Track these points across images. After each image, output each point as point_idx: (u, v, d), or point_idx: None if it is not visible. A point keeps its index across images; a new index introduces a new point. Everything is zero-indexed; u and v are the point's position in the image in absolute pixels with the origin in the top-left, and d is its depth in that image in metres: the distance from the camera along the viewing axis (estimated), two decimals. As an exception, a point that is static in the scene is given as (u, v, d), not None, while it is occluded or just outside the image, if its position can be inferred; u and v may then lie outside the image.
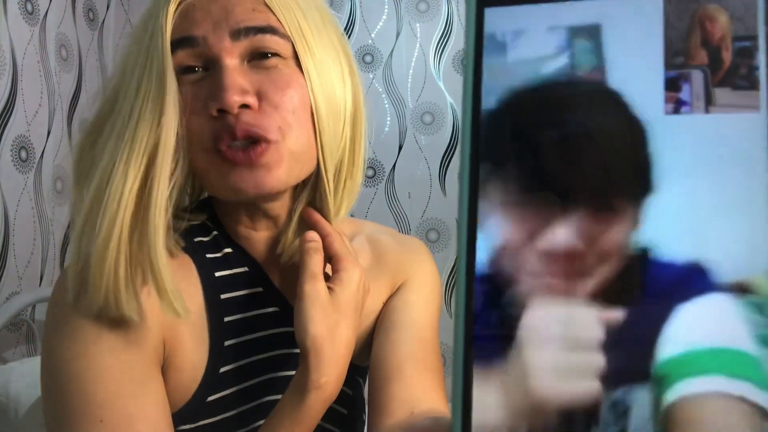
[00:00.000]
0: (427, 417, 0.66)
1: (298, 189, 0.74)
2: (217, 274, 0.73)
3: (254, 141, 0.65)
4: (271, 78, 0.66)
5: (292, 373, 0.71)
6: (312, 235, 0.70)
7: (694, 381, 0.25)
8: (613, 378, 0.26)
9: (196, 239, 0.74)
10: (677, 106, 0.25)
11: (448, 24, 2.46)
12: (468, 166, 0.27)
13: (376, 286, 0.80)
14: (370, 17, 2.48)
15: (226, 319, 0.72)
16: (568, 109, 0.27)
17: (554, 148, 0.26)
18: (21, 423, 1.53)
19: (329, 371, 0.65)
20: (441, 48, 2.45)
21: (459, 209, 0.27)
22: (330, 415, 0.75)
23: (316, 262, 0.67)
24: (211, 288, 0.72)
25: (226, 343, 0.71)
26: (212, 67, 0.65)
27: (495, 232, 0.27)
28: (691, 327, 0.25)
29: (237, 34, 0.64)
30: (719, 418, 0.25)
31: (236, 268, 0.74)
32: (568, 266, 0.26)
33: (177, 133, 0.63)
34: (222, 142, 0.65)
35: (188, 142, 0.65)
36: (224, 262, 0.74)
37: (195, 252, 0.73)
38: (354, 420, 0.80)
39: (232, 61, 0.64)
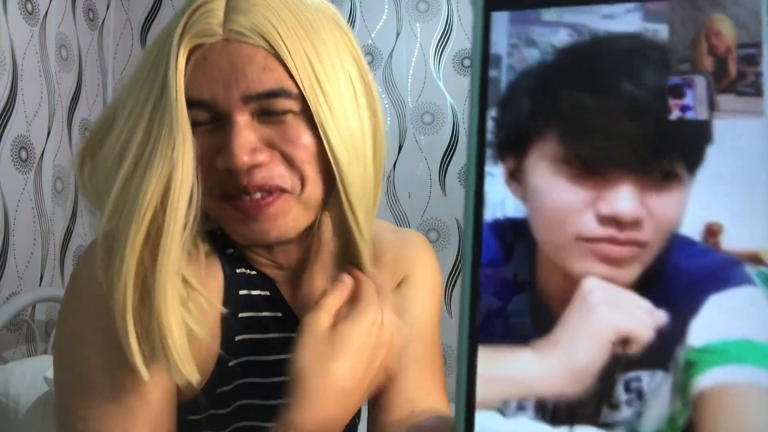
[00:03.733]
0: (432, 416, 0.66)
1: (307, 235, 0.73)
2: (237, 270, 0.74)
3: (267, 191, 0.64)
4: (281, 132, 0.63)
5: None
6: (345, 277, 0.68)
7: (728, 369, 0.26)
8: (635, 359, 0.26)
9: (219, 232, 0.75)
10: (682, 111, 0.25)
11: (448, 24, 2.46)
12: (474, 165, 0.27)
13: None
14: (370, 17, 2.48)
15: (241, 315, 0.73)
16: (623, 69, 0.26)
17: (614, 109, 0.26)
18: (21, 423, 1.54)
19: (310, 409, 0.60)
20: (441, 48, 2.45)
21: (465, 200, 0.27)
22: None
23: (331, 298, 0.65)
24: (231, 283, 0.73)
25: (237, 338, 0.72)
26: (223, 119, 0.63)
27: (546, 195, 0.27)
28: (725, 317, 0.26)
29: (248, 99, 0.62)
30: (751, 407, 0.25)
31: (250, 269, 0.75)
32: (628, 234, 0.26)
33: (192, 184, 0.62)
34: (230, 194, 0.65)
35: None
36: (242, 261, 0.74)
37: (217, 249, 0.73)
38: (350, 426, 0.80)
39: (242, 117, 0.62)
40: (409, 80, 2.45)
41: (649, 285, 0.26)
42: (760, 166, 0.24)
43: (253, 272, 0.75)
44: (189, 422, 0.70)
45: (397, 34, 2.47)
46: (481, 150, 0.26)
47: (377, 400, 0.74)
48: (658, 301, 0.26)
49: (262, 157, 0.63)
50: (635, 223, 0.26)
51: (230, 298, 0.72)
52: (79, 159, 0.69)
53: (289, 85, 0.62)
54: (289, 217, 0.66)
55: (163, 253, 0.60)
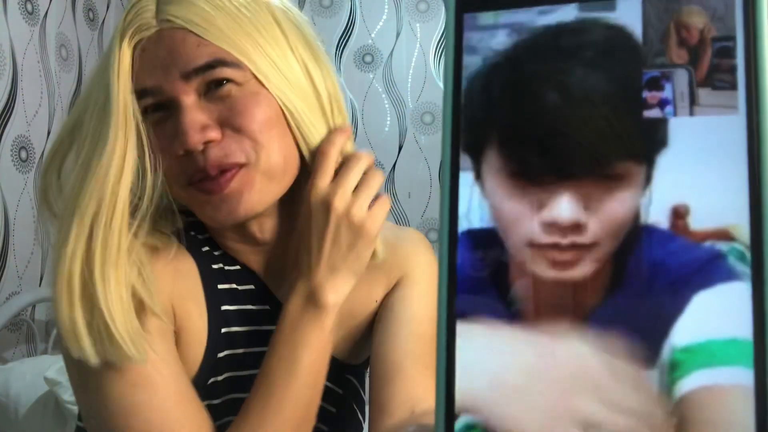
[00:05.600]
0: (413, 424, 0.66)
1: (286, 205, 0.74)
2: (214, 266, 0.74)
3: (227, 169, 0.66)
4: (229, 105, 0.66)
5: None
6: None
7: (715, 371, 0.25)
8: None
9: (192, 233, 0.75)
10: (661, 106, 0.25)
11: (448, 24, 2.46)
12: (448, 170, 0.27)
13: (370, 283, 0.79)
14: (370, 17, 2.48)
15: (223, 308, 0.73)
16: (561, 59, 0.26)
17: (545, 110, 0.26)
18: (21, 423, 1.54)
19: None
20: (441, 48, 2.45)
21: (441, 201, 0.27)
22: (318, 413, 0.76)
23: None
24: (208, 278, 0.73)
25: (223, 330, 0.72)
26: (172, 107, 0.66)
27: (497, 204, 0.27)
28: (712, 316, 0.24)
29: (187, 75, 0.65)
30: (739, 410, 0.24)
31: (230, 266, 0.76)
32: (573, 237, 0.25)
33: (139, 172, 0.65)
34: (195, 179, 0.67)
35: (165, 178, 0.67)
36: (220, 258, 0.75)
37: (192, 246, 0.74)
38: (343, 419, 0.80)
39: (188, 98, 0.65)
40: (409, 80, 2.45)
41: (628, 283, 0.26)
42: (729, 145, 0.24)
43: (234, 267, 0.76)
44: None
45: (397, 34, 2.47)
46: (455, 153, 0.26)
47: (377, 402, 0.74)
48: (640, 299, 0.25)
49: (213, 133, 0.65)
50: (576, 228, 0.26)
51: (210, 293, 0.73)
52: (43, 183, 0.71)
53: (224, 55, 0.66)
54: (254, 191, 0.67)
55: (104, 239, 0.62)
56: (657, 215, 0.24)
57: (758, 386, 0.23)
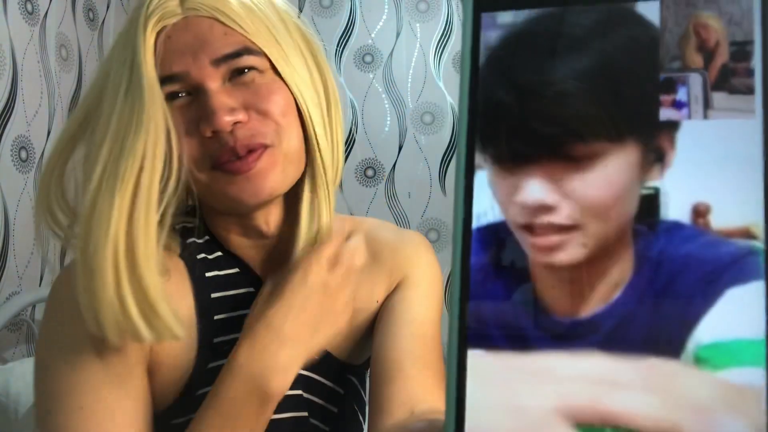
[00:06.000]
0: (422, 419, 0.66)
1: (289, 199, 0.75)
2: (208, 274, 0.74)
3: (253, 149, 0.68)
4: (252, 90, 0.69)
5: None
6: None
7: (741, 371, 0.24)
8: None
9: (189, 240, 0.75)
10: (676, 108, 0.25)
11: (448, 24, 2.46)
12: (463, 168, 0.27)
13: (371, 284, 0.80)
14: (370, 17, 2.48)
15: (216, 317, 0.73)
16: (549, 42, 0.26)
17: (517, 92, 0.26)
18: (21, 423, 1.54)
19: (251, 350, 0.66)
20: (441, 48, 2.45)
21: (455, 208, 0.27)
22: (320, 413, 0.75)
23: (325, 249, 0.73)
24: (201, 287, 0.73)
25: (215, 340, 0.72)
26: (197, 92, 0.68)
27: (492, 189, 0.27)
28: (743, 313, 0.24)
29: (217, 62, 0.67)
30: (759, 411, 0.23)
31: (227, 269, 0.76)
32: (547, 218, 0.25)
33: (165, 156, 0.66)
34: (222, 160, 0.68)
35: (186, 164, 0.68)
36: (216, 264, 0.75)
37: (187, 252, 0.74)
38: (344, 419, 0.80)
39: (214, 83, 0.67)
40: (409, 80, 2.45)
41: (657, 274, 0.25)
42: (746, 148, 0.24)
43: (232, 270, 0.76)
44: (173, 426, 0.71)
45: (397, 34, 2.47)
46: (470, 152, 0.26)
47: (376, 402, 0.74)
48: (670, 291, 0.25)
49: (241, 115, 0.67)
50: (547, 209, 0.26)
51: (202, 304, 0.73)
52: (48, 172, 0.71)
53: (248, 44, 0.69)
54: (277, 171, 0.69)
55: (146, 218, 0.63)
56: (677, 213, 0.24)
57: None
